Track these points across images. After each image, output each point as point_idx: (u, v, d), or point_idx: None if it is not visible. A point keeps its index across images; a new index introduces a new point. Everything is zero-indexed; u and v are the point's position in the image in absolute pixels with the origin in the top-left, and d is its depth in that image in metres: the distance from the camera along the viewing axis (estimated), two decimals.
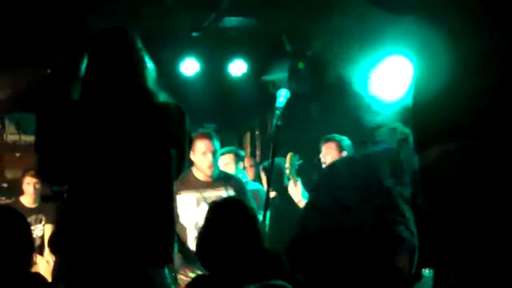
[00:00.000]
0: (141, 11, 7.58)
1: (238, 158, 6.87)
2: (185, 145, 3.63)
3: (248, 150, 10.44)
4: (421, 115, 2.75)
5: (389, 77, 5.34)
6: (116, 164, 3.42)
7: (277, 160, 7.49)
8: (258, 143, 10.36)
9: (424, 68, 2.77)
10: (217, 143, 5.96)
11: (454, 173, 2.60)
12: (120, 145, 3.43)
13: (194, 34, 8.43)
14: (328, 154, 6.27)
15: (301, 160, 6.26)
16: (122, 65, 3.52)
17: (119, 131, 3.45)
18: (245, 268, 3.32)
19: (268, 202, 4.77)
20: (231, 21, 8.15)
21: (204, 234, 3.49)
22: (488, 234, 2.55)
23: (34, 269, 4.23)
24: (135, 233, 3.39)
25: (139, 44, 3.61)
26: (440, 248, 2.67)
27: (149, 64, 3.62)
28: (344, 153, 6.30)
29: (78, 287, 3.35)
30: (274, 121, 4.86)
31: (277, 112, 4.90)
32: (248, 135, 10.54)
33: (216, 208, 3.54)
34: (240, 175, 6.55)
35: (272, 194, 7.29)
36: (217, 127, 10.06)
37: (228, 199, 3.91)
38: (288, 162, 6.07)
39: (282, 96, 5.05)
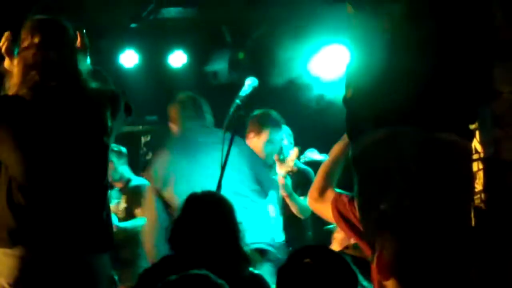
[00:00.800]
0: (81, 2, 7.49)
1: (120, 155, 6.89)
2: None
3: None
4: (354, 102, 2.77)
5: (328, 65, 5.36)
6: (51, 154, 3.41)
7: None
8: None
9: (358, 56, 2.80)
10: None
11: (385, 159, 2.63)
12: (54, 134, 3.41)
13: (133, 25, 8.35)
14: None
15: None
16: (52, 55, 3.49)
17: (52, 121, 3.42)
18: (210, 255, 3.38)
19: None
20: (170, 11, 8.10)
21: (178, 221, 3.58)
22: (416, 219, 2.59)
23: None
24: (73, 221, 3.41)
25: (71, 35, 3.58)
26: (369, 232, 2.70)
27: (83, 54, 3.60)
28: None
29: (20, 279, 3.33)
30: (231, 110, 4.77)
31: (237, 101, 4.79)
32: None
33: (192, 200, 3.63)
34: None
35: None
36: (158, 119, 10.00)
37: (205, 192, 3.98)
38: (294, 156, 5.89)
39: (248, 84, 4.94)
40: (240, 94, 4.83)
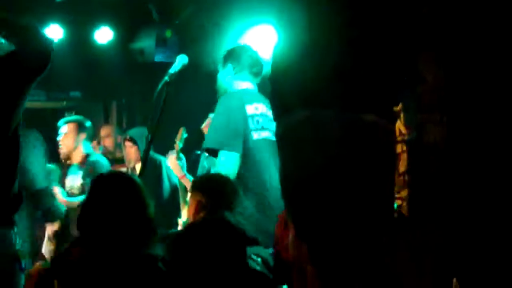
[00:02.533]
0: None
1: (81, 128, 6.74)
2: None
3: (114, 118, 10.33)
4: (280, 82, 2.79)
5: (256, 46, 5.37)
6: None
7: (140, 129, 7.43)
8: (124, 112, 10.27)
9: (283, 37, 2.81)
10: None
11: (308, 140, 2.66)
12: None
13: (58, 0, 8.22)
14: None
15: (186, 134, 6.21)
16: None
17: None
18: (117, 235, 3.37)
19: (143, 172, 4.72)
20: None
21: (85, 204, 3.55)
22: (339, 204, 2.63)
23: None
24: None
25: None
26: (298, 216, 2.73)
27: None
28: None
29: None
30: (159, 87, 4.73)
31: (166, 77, 4.77)
32: (114, 103, 10.41)
33: (99, 180, 3.63)
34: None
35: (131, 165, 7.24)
36: (82, 96, 9.89)
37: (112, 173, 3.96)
38: (179, 137, 5.98)
39: (178, 62, 4.91)
40: (169, 71, 4.82)
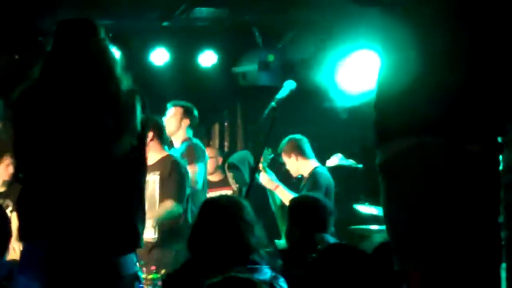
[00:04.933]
0: (112, 0, 7.55)
1: (187, 114, 6.76)
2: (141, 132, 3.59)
3: (217, 141, 10.44)
4: (385, 108, 2.75)
5: (357, 71, 5.36)
6: (74, 151, 3.42)
7: (242, 153, 7.53)
8: (226, 135, 10.37)
9: (389, 62, 2.78)
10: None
11: (412, 170, 2.62)
12: (78, 132, 3.42)
13: (165, 23, 8.39)
14: (288, 162, 6.55)
15: (272, 155, 6.33)
16: (83, 54, 3.52)
17: (76, 120, 3.43)
18: (226, 257, 3.48)
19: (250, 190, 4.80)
20: (202, 11, 8.13)
21: (196, 226, 3.72)
22: (446, 233, 2.58)
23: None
24: (98, 220, 3.40)
25: (102, 34, 3.60)
26: (403, 247, 2.69)
27: (113, 53, 3.62)
28: (300, 153, 6.43)
29: (46, 274, 3.35)
30: (266, 112, 4.79)
31: (272, 103, 4.82)
32: (216, 126, 10.53)
33: (207, 204, 3.81)
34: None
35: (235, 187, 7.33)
36: None
37: (221, 197, 4.07)
38: (263, 157, 6.11)
39: (286, 87, 4.96)
40: (276, 96, 4.86)
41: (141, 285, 3.66)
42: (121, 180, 3.48)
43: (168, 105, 6.75)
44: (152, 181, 5.95)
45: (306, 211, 4.48)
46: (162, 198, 5.99)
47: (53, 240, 3.39)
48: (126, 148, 3.46)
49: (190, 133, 6.70)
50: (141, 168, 3.62)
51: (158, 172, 5.99)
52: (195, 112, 6.80)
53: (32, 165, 3.48)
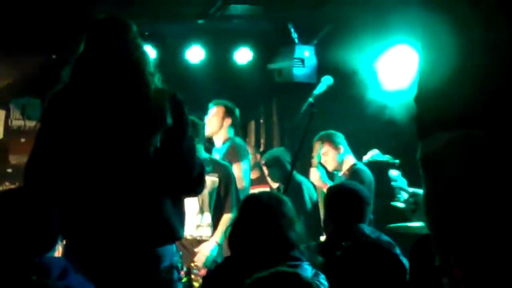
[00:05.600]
0: None
1: (228, 114, 6.75)
2: (184, 131, 3.65)
3: (253, 138, 10.44)
4: (425, 102, 2.73)
5: (395, 66, 5.33)
6: (107, 151, 3.51)
7: (278, 150, 7.52)
8: (262, 132, 10.36)
9: (429, 56, 2.76)
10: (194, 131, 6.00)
11: (457, 163, 2.59)
12: (109, 132, 3.50)
13: (200, 21, 8.41)
14: (326, 156, 6.37)
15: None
16: (114, 54, 3.56)
17: (108, 119, 3.51)
18: (267, 253, 3.48)
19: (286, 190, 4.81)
20: (237, 8, 8.13)
21: (236, 223, 3.75)
22: (491, 228, 2.55)
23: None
24: (137, 215, 3.51)
25: (135, 33, 3.64)
26: (446, 241, 2.67)
27: (146, 52, 3.68)
28: (341, 148, 6.33)
29: (86, 271, 3.41)
30: (304, 107, 4.78)
31: (310, 99, 4.81)
32: (252, 123, 10.53)
33: (248, 201, 3.84)
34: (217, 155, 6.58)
35: (275, 185, 7.32)
36: None
37: (262, 193, 4.15)
38: (316, 151, 6.09)
39: (323, 83, 4.94)
40: (314, 92, 4.85)
41: (179, 275, 3.75)
42: (152, 177, 3.53)
43: (210, 104, 6.76)
44: (212, 181, 6.00)
45: (341, 200, 4.40)
46: (221, 207, 6.12)
47: (92, 238, 3.50)
48: (156, 145, 3.50)
49: (232, 132, 6.71)
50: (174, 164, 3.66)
51: (216, 175, 6.05)
52: (237, 112, 6.81)
53: (65, 167, 3.54)
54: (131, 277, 3.54)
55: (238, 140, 6.69)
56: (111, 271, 3.51)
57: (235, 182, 6.15)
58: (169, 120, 3.53)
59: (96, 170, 3.52)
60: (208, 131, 6.59)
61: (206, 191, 5.81)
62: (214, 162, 6.15)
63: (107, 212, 3.50)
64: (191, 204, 5.76)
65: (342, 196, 4.42)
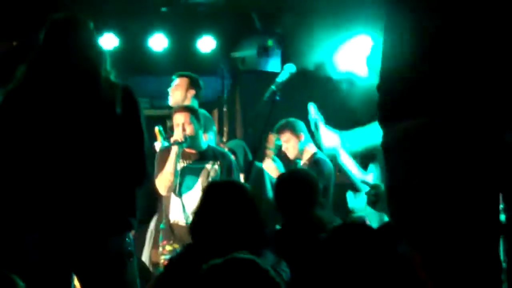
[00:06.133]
0: None
1: (192, 85, 6.68)
2: (138, 122, 3.71)
3: (216, 126, 10.42)
4: (386, 91, 2.76)
5: (355, 57, 5.37)
6: (59, 141, 3.55)
7: (237, 140, 7.51)
8: (225, 120, 10.36)
9: (389, 45, 2.79)
10: (194, 118, 5.94)
11: (421, 148, 2.62)
12: (63, 123, 3.56)
13: (163, 9, 8.38)
14: (287, 143, 6.36)
15: (281, 142, 6.26)
16: (69, 52, 3.61)
17: (60, 113, 3.57)
18: (227, 241, 3.46)
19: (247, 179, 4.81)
20: None
21: (197, 210, 3.70)
22: (447, 213, 2.59)
23: None
24: (91, 205, 3.56)
25: (91, 31, 3.68)
26: (405, 228, 2.70)
27: (102, 50, 3.76)
28: (302, 136, 6.32)
29: (40, 260, 3.44)
30: (266, 95, 4.77)
31: (272, 86, 4.80)
32: (215, 111, 10.53)
33: (210, 188, 3.80)
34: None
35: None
36: None
37: (223, 181, 4.07)
38: (271, 143, 6.07)
39: (286, 71, 4.93)
40: (276, 80, 4.84)
41: (131, 260, 3.76)
42: (102, 168, 3.59)
43: (173, 76, 6.72)
44: (214, 170, 5.95)
45: (292, 187, 4.42)
46: None
47: (45, 228, 3.54)
48: (106, 135, 3.56)
49: (196, 103, 6.64)
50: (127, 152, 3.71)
51: (218, 163, 5.98)
52: (201, 83, 6.76)
53: (19, 161, 3.58)
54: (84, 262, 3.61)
55: (203, 111, 6.64)
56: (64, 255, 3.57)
57: (237, 169, 6.11)
58: (118, 110, 3.57)
59: (48, 162, 3.56)
60: (171, 102, 6.55)
61: (208, 180, 5.80)
62: (215, 151, 6.09)
63: (58, 203, 3.54)
64: (194, 193, 5.77)
65: (291, 182, 4.44)
